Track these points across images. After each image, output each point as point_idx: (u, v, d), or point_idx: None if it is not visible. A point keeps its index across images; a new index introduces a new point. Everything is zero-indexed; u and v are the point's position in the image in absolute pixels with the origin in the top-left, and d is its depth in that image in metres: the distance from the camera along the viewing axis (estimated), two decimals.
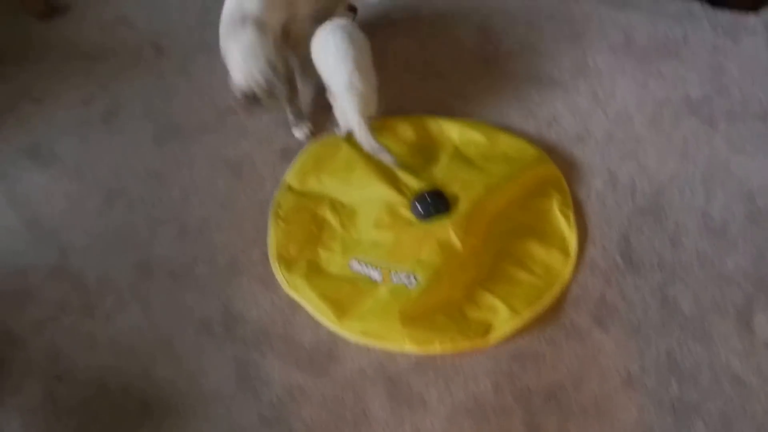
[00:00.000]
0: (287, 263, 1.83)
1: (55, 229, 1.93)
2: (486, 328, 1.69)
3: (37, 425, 1.62)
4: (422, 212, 1.83)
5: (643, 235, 1.85)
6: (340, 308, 1.73)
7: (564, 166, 1.98)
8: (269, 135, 2.09)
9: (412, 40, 2.30)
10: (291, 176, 1.99)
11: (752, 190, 1.91)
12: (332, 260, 1.83)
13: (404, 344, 1.68)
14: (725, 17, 2.29)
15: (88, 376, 1.68)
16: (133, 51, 2.34)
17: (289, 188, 1.97)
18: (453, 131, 2.04)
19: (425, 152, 2.01)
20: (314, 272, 1.81)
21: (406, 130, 2.04)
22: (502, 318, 1.70)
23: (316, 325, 1.74)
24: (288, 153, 2.05)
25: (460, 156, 2.00)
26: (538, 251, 1.82)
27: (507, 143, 2.02)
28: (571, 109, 2.11)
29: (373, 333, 1.69)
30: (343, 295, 1.75)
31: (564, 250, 1.83)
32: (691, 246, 1.82)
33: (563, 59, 2.23)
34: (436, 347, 1.67)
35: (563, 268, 1.80)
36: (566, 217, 1.87)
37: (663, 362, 1.65)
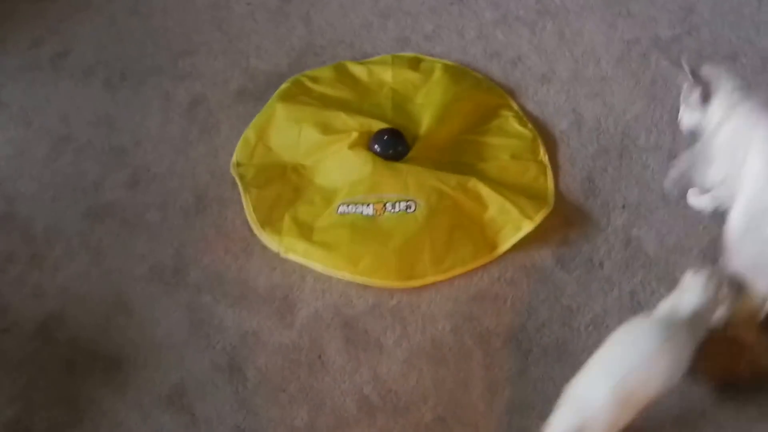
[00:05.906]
0: (273, 226, 1.71)
1: (1, 178, 1.85)
2: (494, 237, 1.68)
3: None
4: (380, 151, 1.77)
5: (607, 175, 1.80)
6: (350, 256, 1.64)
7: (528, 105, 1.93)
8: (225, 77, 2.01)
9: None
10: (237, 154, 1.86)
11: None
12: (317, 213, 1.73)
13: (428, 277, 1.64)
14: None
15: (35, 329, 1.62)
16: None
17: (239, 164, 1.84)
18: (385, 74, 1.96)
19: (362, 99, 1.93)
20: (305, 229, 1.69)
21: (335, 79, 1.96)
22: (514, 220, 1.69)
23: (271, 269, 1.68)
24: (243, 95, 1.97)
25: (399, 96, 1.93)
26: (515, 166, 1.81)
27: (441, 73, 1.95)
28: (536, 48, 2.04)
29: (389, 272, 1.64)
30: (347, 241, 1.66)
31: (537, 160, 1.83)
32: (656, 187, 1.78)
33: None
34: (457, 270, 1.65)
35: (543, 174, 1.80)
36: (526, 126, 1.87)
37: (626, 303, 1.62)
